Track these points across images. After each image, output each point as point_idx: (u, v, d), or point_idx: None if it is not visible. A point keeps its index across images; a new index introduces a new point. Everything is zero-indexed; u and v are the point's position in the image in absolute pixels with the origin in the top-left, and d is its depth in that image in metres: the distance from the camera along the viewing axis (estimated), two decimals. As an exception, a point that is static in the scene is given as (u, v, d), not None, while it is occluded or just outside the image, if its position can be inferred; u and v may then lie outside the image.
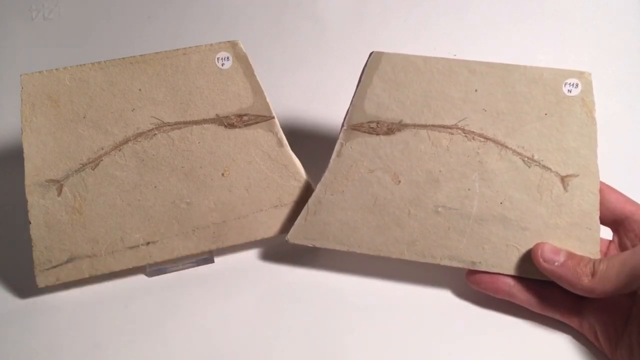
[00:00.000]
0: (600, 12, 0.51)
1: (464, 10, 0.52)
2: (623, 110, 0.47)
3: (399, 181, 0.37)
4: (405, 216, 0.37)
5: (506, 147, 0.37)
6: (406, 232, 0.37)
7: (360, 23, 0.53)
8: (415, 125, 0.37)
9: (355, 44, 0.52)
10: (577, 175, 0.36)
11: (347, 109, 0.38)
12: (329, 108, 0.50)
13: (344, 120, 0.38)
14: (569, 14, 0.51)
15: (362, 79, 0.37)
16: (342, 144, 0.38)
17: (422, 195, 0.37)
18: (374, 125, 0.37)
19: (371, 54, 0.37)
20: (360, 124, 0.37)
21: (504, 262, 0.37)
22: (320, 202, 0.38)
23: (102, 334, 0.36)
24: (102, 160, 0.38)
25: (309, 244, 0.39)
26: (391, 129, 0.37)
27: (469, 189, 0.37)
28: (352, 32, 0.53)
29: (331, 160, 0.38)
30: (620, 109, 0.46)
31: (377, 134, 0.37)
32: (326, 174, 0.38)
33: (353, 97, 0.38)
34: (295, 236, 0.39)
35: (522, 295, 0.36)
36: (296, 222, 0.39)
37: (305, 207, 0.38)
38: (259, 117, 0.39)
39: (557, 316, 0.36)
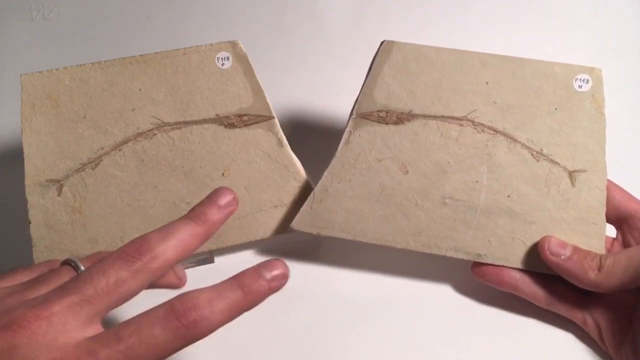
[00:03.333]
0: (601, 11, 0.51)
1: (464, 10, 0.52)
2: (624, 110, 0.47)
3: (407, 171, 0.37)
4: (412, 206, 0.37)
5: (515, 140, 0.36)
6: (412, 222, 0.37)
7: (360, 23, 0.53)
8: (425, 116, 0.37)
9: (355, 44, 0.52)
10: (585, 171, 0.36)
11: (356, 97, 0.38)
12: (329, 108, 0.50)
13: (353, 108, 0.38)
14: (570, 13, 0.51)
15: (372, 68, 0.37)
16: (350, 132, 0.37)
17: (430, 186, 0.37)
18: (383, 114, 0.37)
19: (382, 42, 0.37)
20: (370, 112, 0.37)
21: (509, 255, 0.36)
22: (327, 190, 0.38)
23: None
24: (102, 160, 0.38)
25: (314, 231, 0.38)
26: (400, 118, 0.37)
27: (476, 181, 0.37)
28: (352, 32, 0.53)
29: (339, 148, 0.37)
30: (621, 108, 0.46)
31: (387, 124, 0.37)
32: (333, 161, 0.38)
33: (363, 86, 0.37)
34: (300, 224, 0.38)
35: (527, 289, 0.36)
36: (301, 210, 0.38)
37: (312, 194, 0.38)
38: (259, 117, 0.39)
39: (562, 311, 0.36)
